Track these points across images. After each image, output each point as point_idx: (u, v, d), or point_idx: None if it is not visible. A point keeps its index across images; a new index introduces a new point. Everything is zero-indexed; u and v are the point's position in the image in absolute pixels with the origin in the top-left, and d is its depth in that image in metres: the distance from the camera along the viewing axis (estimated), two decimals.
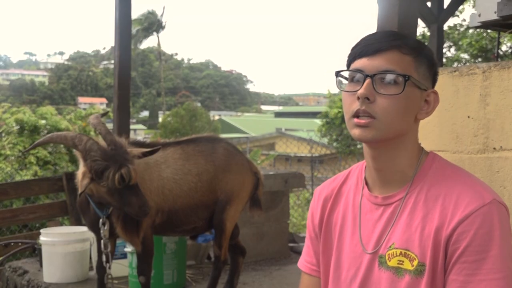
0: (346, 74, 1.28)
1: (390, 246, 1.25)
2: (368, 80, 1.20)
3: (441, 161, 1.30)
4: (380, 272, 1.26)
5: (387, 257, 1.25)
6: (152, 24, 47.43)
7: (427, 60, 1.26)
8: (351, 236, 1.34)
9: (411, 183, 1.26)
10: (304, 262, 1.51)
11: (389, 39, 1.23)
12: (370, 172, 1.33)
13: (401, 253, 1.22)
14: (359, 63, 1.24)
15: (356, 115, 1.21)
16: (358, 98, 1.20)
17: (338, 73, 1.29)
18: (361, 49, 1.25)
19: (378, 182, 1.32)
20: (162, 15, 47.74)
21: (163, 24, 47.96)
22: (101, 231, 2.44)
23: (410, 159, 1.28)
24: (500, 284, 1.12)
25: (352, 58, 1.27)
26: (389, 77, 1.20)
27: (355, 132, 1.23)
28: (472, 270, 1.14)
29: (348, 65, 1.28)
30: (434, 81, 1.30)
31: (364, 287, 1.29)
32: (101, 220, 2.42)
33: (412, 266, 1.20)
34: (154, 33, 48.99)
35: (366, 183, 1.36)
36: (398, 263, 1.22)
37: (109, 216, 2.43)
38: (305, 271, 1.51)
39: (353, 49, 1.28)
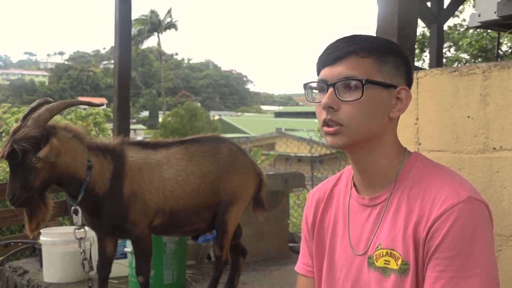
0: (315, 85, 1.30)
1: (377, 247, 1.27)
2: (330, 90, 1.23)
3: (424, 160, 1.31)
4: (369, 273, 1.28)
5: (374, 258, 1.27)
6: (154, 24, 47.54)
7: (393, 57, 1.26)
8: (342, 237, 1.37)
9: (394, 183, 1.28)
10: (301, 264, 1.55)
11: (346, 45, 1.25)
12: (355, 174, 1.36)
13: (387, 253, 1.24)
14: (323, 73, 1.27)
15: (326, 123, 1.24)
16: (324, 108, 1.23)
17: (306, 85, 1.31)
18: (323, 59, 1.27)
19: (363, 184, 1.34)
20: (169, 12, 47.69)
21: (168, 23, 48.02)
22: (74, 220, 2.47)
23: (389, 158, 1.29)
24: (470, 281, 1.13)
25: (318, 68, 1.30)
26: (350, 83, 1.22)
27: (327, 140, 1.26)
28: (444, 267, 1.15)
29: (318, 75, 1.30)
30: (407, 76, 1.29)
31: None
32: (72, 208, 2.44)
33: (397, 265, 1.22)
34: (155, 33, 49.07)
35: (354, 185, 1.38)
36: (384, 263, 1.25)
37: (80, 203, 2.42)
38: (301, 272, 1.55)
39: (318, 59, 1.30)
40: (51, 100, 2.39)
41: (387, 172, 1.29)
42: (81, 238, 2.58)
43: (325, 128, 1.25)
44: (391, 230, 1.25)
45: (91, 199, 2.42)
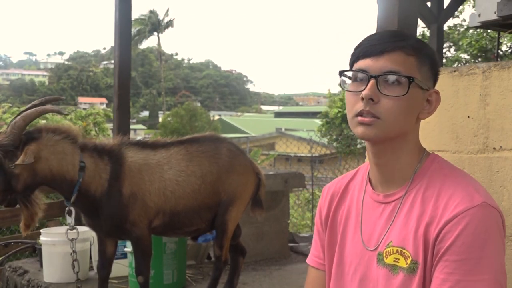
0: (349, 73, 1.29)
1: (388, 244, 1.27)
2: (372, 81, 1.21)
3: (441, 161, 1.32)
4: (378, 269, 1.28)
5: (384, 255, 1.27)
6: (154, 24, 47.59)
7: (429, 60, 1.28)
8: (354, 232, 1.37)
9: (411, 182, 1.28)
10: (312, 256, 1.55)
11: (393, 40, 1.25)
12: (372, 169, 1.36)
13: (397, 251, 1.25)
14: (363, 63, 1.25)
15: (360, 114, 1.23)
16: (362, 98, 1.22)
17: (342, 73, 1.30)
18: (365, 49, 1.26)
19: (379, 180, 1.34)
20: (167, 13, 47.79)
21: (167, 22, 48.09)
22: (67, 221, 2.48)
23: (410, 157, 1.30)
24: (476, 286, 1.13)
25: (355, 58, 1.28)
26: (393, 78, 1.21)
27: (359, 130, 1.24)
28: (452, 269, 1.15)
29: (351, 65, 1.29)
30: (435, 80, 1.32)
31: (363, 283, 1.32)
32: (66, 209, 2.46)
33: (406, 264, 1.23)
34: (155, 33, 49.10)
35: (370, 181, 1.38)
36: (394, 261, 1.25)
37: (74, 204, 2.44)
38: (312, 264, 1.55)
39: (356, 49, 1.29)
40: (59, 98, 2.41)
41: (405, 170, 1.29)
42: (73, 239, 2.58)
43: (359, 118, 1.23)
44: (403, 229, 1.25)
45: (86, 200, 2.42)
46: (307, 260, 1.57)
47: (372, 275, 1.30)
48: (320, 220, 1.50)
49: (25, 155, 2.20)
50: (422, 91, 1.26)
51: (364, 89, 1.22)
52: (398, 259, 1.24)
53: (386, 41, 1.24)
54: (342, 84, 1.30)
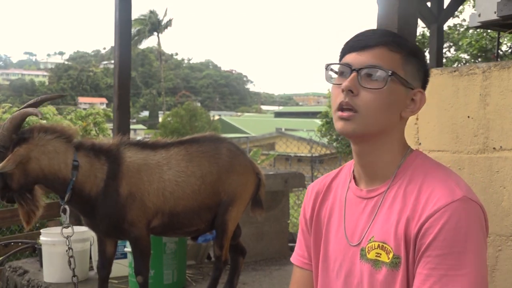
0: (336, 68, 1.32)
1: (370, 239, 1.28)
2: (353, 74, 1.24)
3: (424, 157, 1.33)
4: (361, 265, 1.29)
5: (367, 250, 1.28)
6: (154, 24, 47.62)
7: (417, 60, 1.29)
8: (337, 228, 1.38)
9: (393, 178, 1.29)
10: (297, 256, 1.56)
11: (378, 36, 1.27)
12: (356, 167, 1.38)
13: (379, 245, 1.25)
14: (348, 58, 1.28)
15: (340, 107, 1.25)
16: (343, 90, 1.24)
17: (328, 66, 1.33)
18: (352, 44, 1.29)
19: (363, 176, 1.35)
20: (165, 14, 47.84)
21: (166, 22, 48.11)
22: (62, 219, 2.48)
23: (393, 155, 1.31)
24: (460, 280, 1.13)
25: (343, 53, 1.31)
26: (375, 72, 1.23)
27: (338, 125, 1.27)
28: (435, 264, 1.15)
29: (340, 60, 1.32)
30: (424, 82, 1.33)
31: (348, 279, 1.33)
32: (61, 207, 2.45)
33: (388, 258, 1.23)
34: (155, 33, 49.13)
35: (354, 177, 1.39)
36: (376, 256, 1.25)
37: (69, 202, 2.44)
38: (296, 264, 1.55)
39: (345, 44, 1.32)
40: (59, 95, 2.40)
41: (388, 167, 1.30)
42: (68, 237, 2.59)
43: (339, 113, 1.25)
44: (385, 224, 1.26)
45: (81, 200, 2.42)
46: (291, 259, 1.57)
47: (357, 271, 1.30)
48: (305, 219, 1.51)
49: (7, 161, 2.23)
50: (405, 88, 1.26)
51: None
52: (380, 254, 1.24)
53: (372, 36, 1.27)
54: (327, 78, 1.33)
